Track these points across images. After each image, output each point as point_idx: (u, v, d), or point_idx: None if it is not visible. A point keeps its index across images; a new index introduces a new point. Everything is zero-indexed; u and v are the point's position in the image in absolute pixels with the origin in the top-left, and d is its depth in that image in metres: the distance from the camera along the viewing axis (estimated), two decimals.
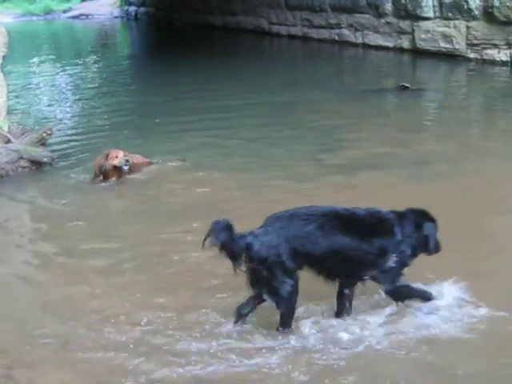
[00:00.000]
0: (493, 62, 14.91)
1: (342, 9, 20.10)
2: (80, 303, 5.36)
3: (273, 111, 11.92)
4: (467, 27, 15.49)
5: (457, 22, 15.76)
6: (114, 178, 8.14)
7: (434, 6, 16.46)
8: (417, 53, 17.05)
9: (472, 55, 15.48)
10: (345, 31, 20.20)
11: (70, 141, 10.51)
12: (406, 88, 13.02)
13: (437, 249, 4.94)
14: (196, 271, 5.72)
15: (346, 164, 8.57)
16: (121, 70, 19.81)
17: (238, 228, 4.59)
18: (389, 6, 18.10)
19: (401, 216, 4.84)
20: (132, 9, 38.32)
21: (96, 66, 20.61)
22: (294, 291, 4.66)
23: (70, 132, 11.27)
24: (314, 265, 4.73)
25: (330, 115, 11.32)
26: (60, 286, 5.75)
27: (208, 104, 12.63)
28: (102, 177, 8.12)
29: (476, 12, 15.19)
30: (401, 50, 17.74)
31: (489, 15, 14.88)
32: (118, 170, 8.09)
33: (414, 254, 4.86)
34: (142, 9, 37.01)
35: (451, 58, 15.84)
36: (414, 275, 4.90)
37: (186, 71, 17.06)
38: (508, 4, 14.36)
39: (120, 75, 18.63)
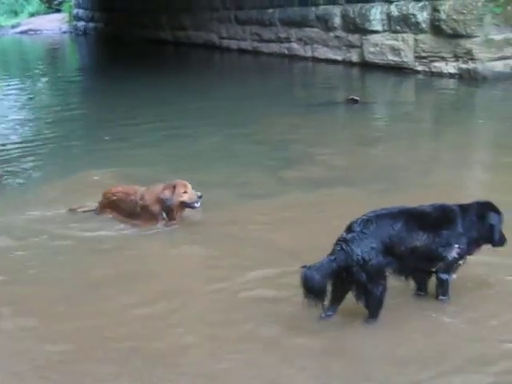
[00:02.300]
0: (441, 75, 15.18)
1: (291, 23, 20.30)
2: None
3: (226, 126, 11.82)
4: (415, 40, 15.76)
5: (405, 35, 16.03)
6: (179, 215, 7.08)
7: (382, 20, 16.72)
8: (366, 66, 17.27)
9: (420, 68, 15.74)
10: (294, 45, 20.39)
11: (18, 157, 10.30)
12: (356, 101, 13.05)
13: (501, 241, 5.02)
14: None
15: (307, 179, 8.40)
16: (70, 84, 19.61)
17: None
18: (337, 20, 18.33)
19: (464, 208, 4.96)
20: (81, 24, 38.12)
21: (45, 80, 20.42)
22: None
23: (18, 147, 11.02)
24: (399, 262, 4.79)
25: (285, 129, 11.31)
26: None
27: (159, 118, 12.58)
28: (164, 215, 6.99)
29: (424, 25, 15.47)
30: (350, 63, 17.98)
31: (436, 28, 15.16)
32: (183, 207, 7.03)
33: (478, 245, 4.98)
34: (91, 24, 36.84)
35: (399, 70, 16.09)
36: None
37: (135, 85, 17.00)
38: (454, 17, 14.65)
39: (69, 89, 18.52)
